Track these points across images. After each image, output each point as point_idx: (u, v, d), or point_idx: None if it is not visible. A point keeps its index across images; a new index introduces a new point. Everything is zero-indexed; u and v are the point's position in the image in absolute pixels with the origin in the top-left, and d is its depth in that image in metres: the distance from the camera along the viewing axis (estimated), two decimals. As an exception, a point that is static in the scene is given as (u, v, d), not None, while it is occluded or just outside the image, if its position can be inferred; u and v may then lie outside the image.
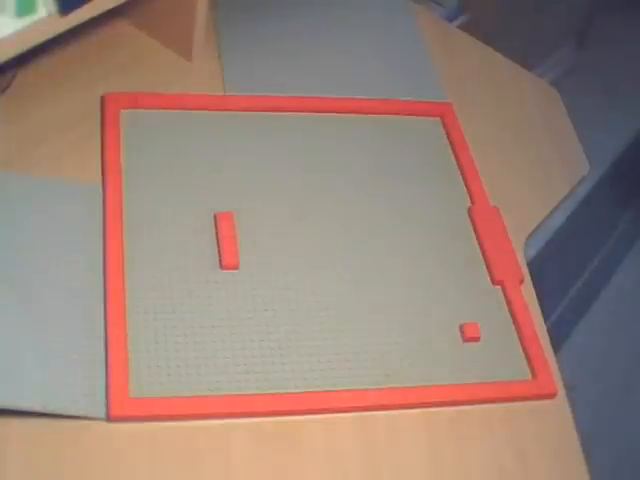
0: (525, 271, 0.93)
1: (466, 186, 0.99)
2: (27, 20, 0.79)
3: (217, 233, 0.87)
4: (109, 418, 0.73)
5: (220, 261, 0.85)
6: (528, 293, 0.91)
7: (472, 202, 0.98)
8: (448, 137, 1.04)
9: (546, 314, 0.91)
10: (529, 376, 0.85)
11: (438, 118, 1.06)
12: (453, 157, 1.02)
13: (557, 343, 1.89)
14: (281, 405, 0.77)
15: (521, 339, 0.87)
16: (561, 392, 0.85)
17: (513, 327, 0.88)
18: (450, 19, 1.71)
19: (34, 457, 0.70)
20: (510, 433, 0.81)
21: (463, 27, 1.67)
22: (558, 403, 0.84)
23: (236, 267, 0.85)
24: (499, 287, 0.91)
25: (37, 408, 0.70)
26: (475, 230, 0.95)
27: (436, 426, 0.80)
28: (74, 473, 0.70)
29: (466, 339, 0.85)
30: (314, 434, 0.77)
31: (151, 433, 0.73)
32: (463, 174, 1.00)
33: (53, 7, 0.80)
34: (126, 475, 0.71)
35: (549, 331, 0.90)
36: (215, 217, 0.88)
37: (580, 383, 1.81)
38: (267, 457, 0.74)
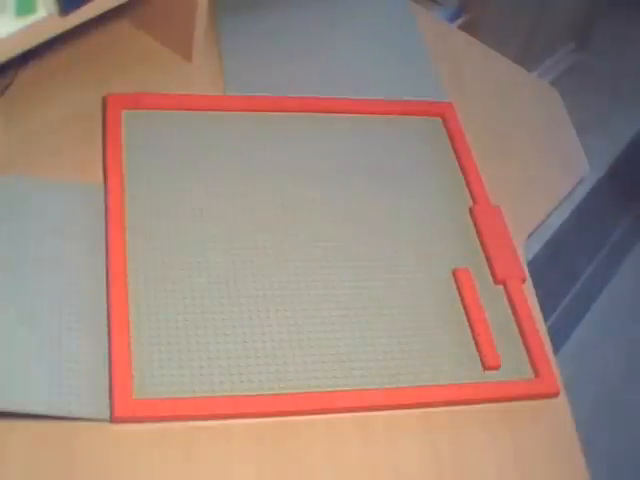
0: (525, 271, 0.93)
1: (467, 186, 0.99)
2: (27, 20, 0.79)
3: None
4: (113, 419, 0.73)
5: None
6: (528, 293, 0.91)
7: (474, 202, 0.98)
8: (449, 137, 1.04)
9: (546, 314, 0.91)
10: (532, 376, 0.85)
11: (439, 118, 1.06)
12: (454, 157, 1.02)
13: (557, 343, 1.89)
14: (283, 406, 0.77)
15: (524, 339, 0.87)
16: (562, 392, 0.85)
17: (515, 327, 0.88)
18: (450, 19, 1.72)
19: (36, 459, 0.70)
20: (510, 433, 0.81)
21: (463, 27, 1.68)
22: (558, 403, 0.84)
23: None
24: (501, 286, 0.91)
25: (41, 410, 0.70)
26: (477, 230, 0.95)
27: (437, 426, 0.80)
28: (77, 474, 0.70)
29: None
30: (315, 435, 0.77)
31: (154, 434, 0.73)
32: (464, 174, 1.00)
33: (53, 7, 0.80)
34: (129, 476, 0.71)
35: (549, 331, 0.90)
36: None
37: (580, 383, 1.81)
38: (268, 458, 0.74)
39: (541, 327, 0.89)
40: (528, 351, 0.86)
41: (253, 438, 0.75)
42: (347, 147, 1.00)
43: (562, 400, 0.84)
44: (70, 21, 0.82)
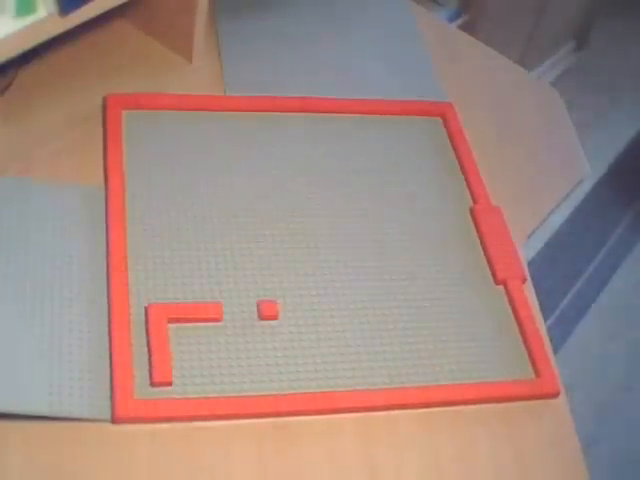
0: (525, 271, 0.93)
1: (468, 186, 0.99)
2: (27, 20, 0.79)
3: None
4: (113, 420, 0.73)
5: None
6: (528, 293, 0.91)
7: (474, 202, 0.98)
8: (449, 137, 1.04)
9: (546, 314, 0.91)
10: (532, 376, 0.85)
11: (439, 118, 1.06)
12: (454, 157, 1.02)
13: (557, 343, 1.89)
14: (283, 406, 0.77)
15: (524, 339, 0.87)
16: (562, 392, 0.85)
17: (516, 327, 0.88)
18: (450, 19, 1.72)
19: (37, 459, 0.70)
20: (510, 433, 0.81)
21: (463, 27, 1.68)
22: (558, 403, 0.84)
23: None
24: (502, 287, 0.91)
25: (42, 411, 0.70)
26: (477, 230, 0.95)
27: (437, 427, 0.80)
28: (78, 475, 0.70)
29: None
30: (315, 435, 0.77)
31: (155, 434, 0.73)
32: (465, 174, 1.00)
33: (53, 7, 0.80)
34: (130, 476, 0.71)
35: (549, 331, 0.90)
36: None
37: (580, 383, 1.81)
38: (268, 458, 0.74)
39: (541, 327, 0.89)
40: (528, 351, 0.86)
41: (253, 438, 0.75)
42: (347, 147, 1.00)
43: (562, 400, 0.84)
44: (70, 21, 0.82)
